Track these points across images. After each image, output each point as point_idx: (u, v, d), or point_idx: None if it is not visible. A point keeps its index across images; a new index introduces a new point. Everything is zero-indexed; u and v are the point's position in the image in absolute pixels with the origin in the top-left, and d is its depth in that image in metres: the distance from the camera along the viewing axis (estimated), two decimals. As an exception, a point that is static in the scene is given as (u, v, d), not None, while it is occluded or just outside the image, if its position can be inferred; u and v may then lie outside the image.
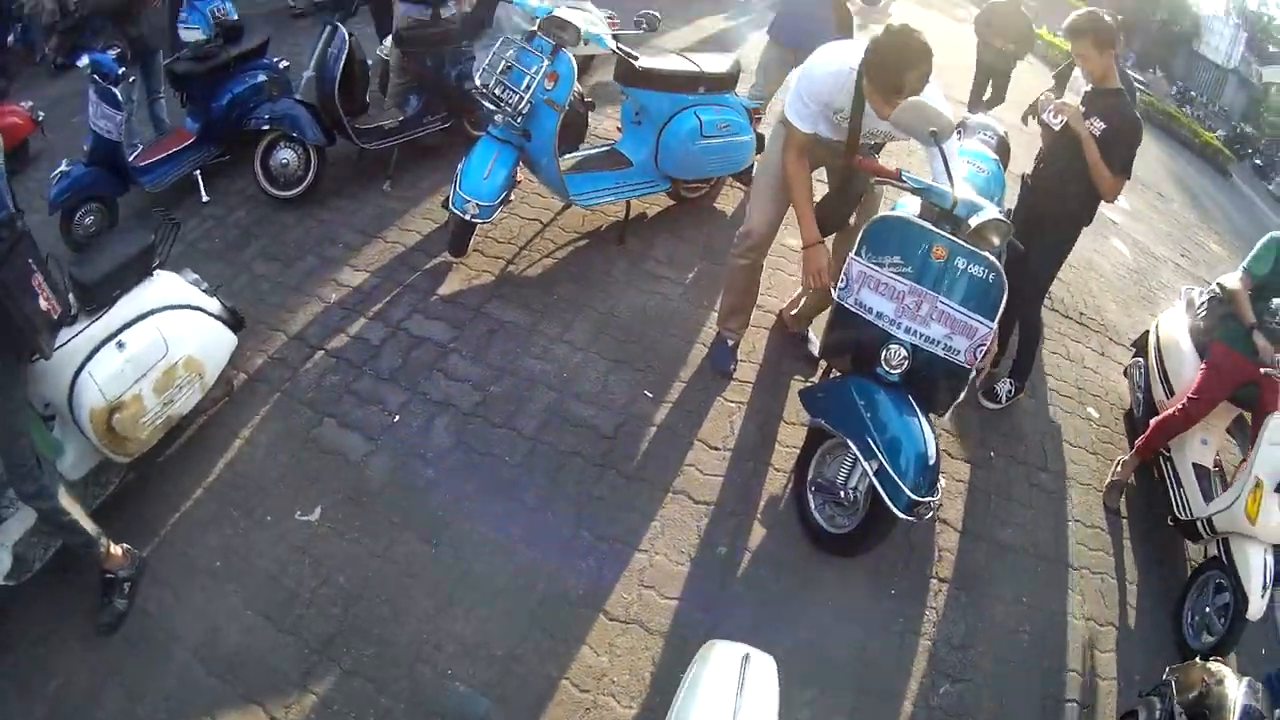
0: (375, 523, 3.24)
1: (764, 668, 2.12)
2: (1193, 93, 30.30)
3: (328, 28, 5.13)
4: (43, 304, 2.53)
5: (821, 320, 4.18)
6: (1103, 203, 4.30)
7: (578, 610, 3.09)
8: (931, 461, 3.13)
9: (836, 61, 3.41)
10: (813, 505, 3.55)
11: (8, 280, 2.37)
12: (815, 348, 4.43)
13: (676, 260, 5.04)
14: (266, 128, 4.88)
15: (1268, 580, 3.89)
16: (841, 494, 3.36)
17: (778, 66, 5.78)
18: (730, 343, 4.28)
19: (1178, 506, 4.39)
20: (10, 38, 7.19)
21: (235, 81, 5.10)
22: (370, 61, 5.76)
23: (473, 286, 4.46)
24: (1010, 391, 4.75)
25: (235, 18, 5.37)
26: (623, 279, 4.77)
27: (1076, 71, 4.60)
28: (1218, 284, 4.66)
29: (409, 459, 3.48)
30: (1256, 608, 3.81)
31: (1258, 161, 26.68)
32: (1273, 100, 31.90)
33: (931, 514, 3.24)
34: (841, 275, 3.36)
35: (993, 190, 4.46)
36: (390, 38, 5.57)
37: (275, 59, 5.43)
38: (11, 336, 2.44)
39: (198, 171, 5.09)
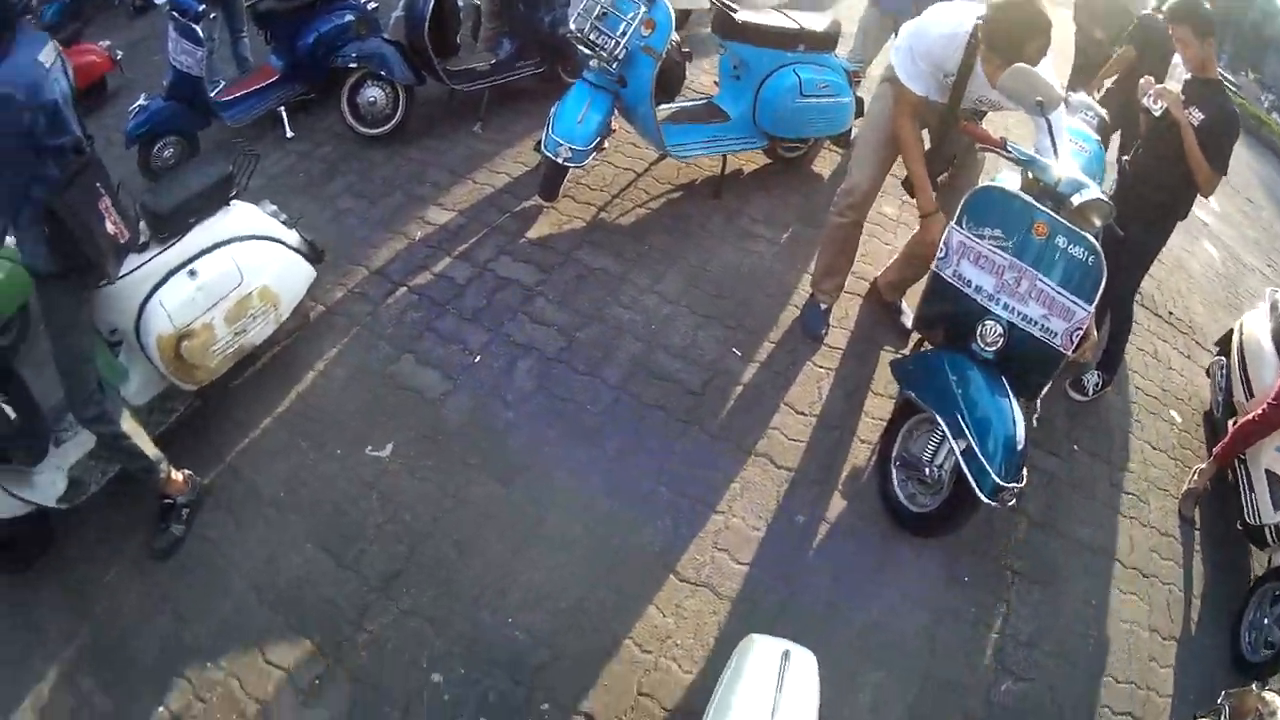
0: (449, 462, 3.24)
1: (804, 664, 2.11)
2: (1285, 98, 29.24)
3: None
4: (109, 228, 2.55)
5: (915, 291, 4.12)
6: (1196, 200, 4.18)
7: (649, 568, 3.07)
8: (1020, 446, 3.06)
9: (951, 22, 3.33)
10: (895, 481, 3.50)
11: (74, 202, 2.40)
12: (908, 319, 4.37)
13: (772, 219, 4.98)
14: (354, 65, 4.85)
15: None
16: (926, 471, 3.30)
17: (877, 30, 5.67)
18: (823, 306, 4.22)
19: (1248, 511, 4.28)
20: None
21: (321, 20, 5.07)
22: (462, 3, 5.70)
23: (563, 231, 4.44)
24: (1098, 384, 4.64)
25: None
26: (717, 234, 4.72)
27: (1176, 59, 4.48)
28: None
29: (488, 400, 3.48)
30: None
31: None
32: None
33: (1014, 501, 3.18)
34: (941, 245, 3.30)
35: (1094, 170, 4.31)
36: None
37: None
38: (77, 260, 2.47)
39: (282, 108, 5.09)
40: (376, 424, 3.34)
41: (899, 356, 3.92)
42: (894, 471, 3.51)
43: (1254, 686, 3.15)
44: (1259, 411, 4.25)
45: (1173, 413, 5.12)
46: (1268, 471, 4.32)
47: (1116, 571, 3.96)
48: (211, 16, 4.95)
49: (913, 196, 3.70)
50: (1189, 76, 4.12)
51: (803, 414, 3.80)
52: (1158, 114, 4.09)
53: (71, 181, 2.39)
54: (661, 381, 3.73)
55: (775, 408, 3.78)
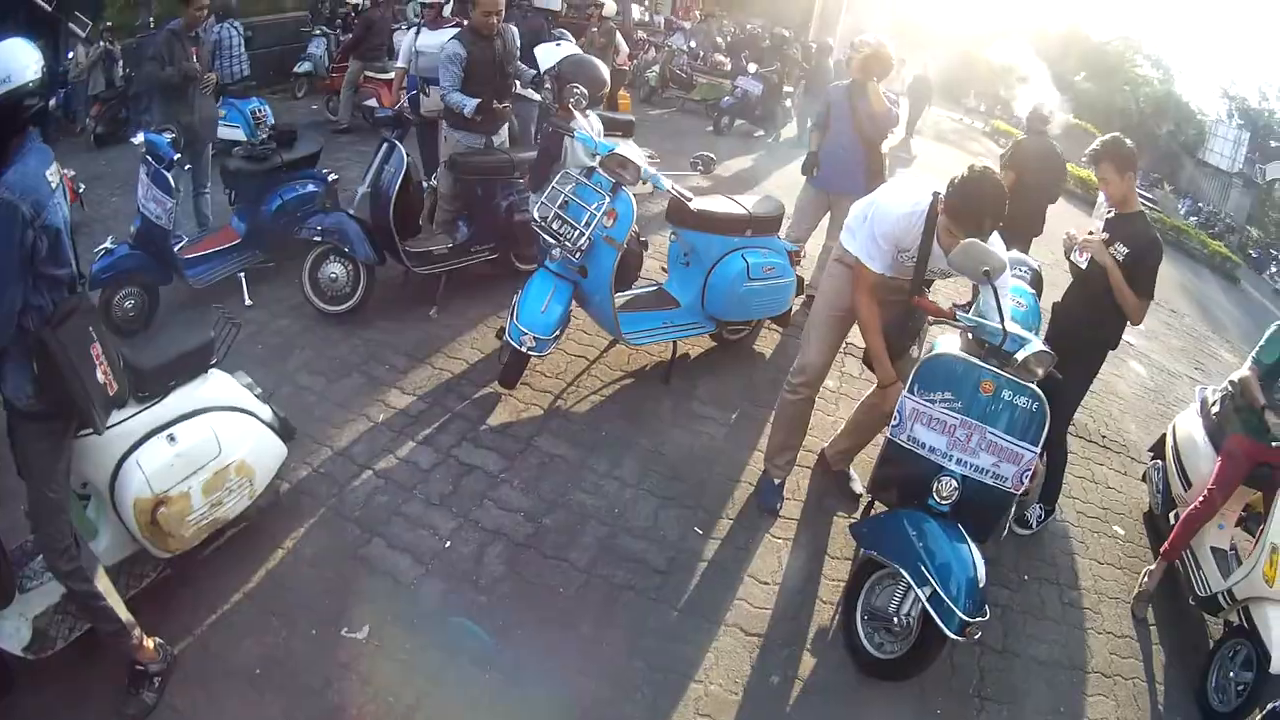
0: (427, 646, 3.24)
1: None
2: (1200, 204, 30.87)
3: (385, 145, 5.28)
4: (100, 376, 2.49)
5: (861, 459, 4.43)
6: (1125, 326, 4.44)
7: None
8: (981, 584, 3.25)
9: (909, 202, 3.61)
10: (862, 633, 3.60)
11: (67, 341, 2.34)
12: (857, 485, 4.55)
13: (719, 400, 5.16)
14: (319, 240, 4.94)
15: None
16: (895, 620, 3.42)
17: (813, 209, 6.09)
18: (777, 481, 4.36)
19: (1198, 586, 4.55)
20: (52, 102, 7.31)
21: (286, 188, 5.26)
22: (424, 185, 5.94)
23: (522, 419, 4.56)
24: (1040, 516, 4.83)
25: (273, 121, 5.50)
26: (668, 418, 4.88)
27: (1100, 197, 4.78)
28: (1230, 381, 4.90)
29: (461, 584, 3.52)
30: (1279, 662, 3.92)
31: (1252, 254, 27.12)
32: (1277, 197, 32.57)
33: (979, 634, 3.33)
34: (895, 413, 3.51)
35: (1030, 322, 4.69)
36: (443, 164, 5.75)
37: (325, 171, 5.58)
38: (63, 403, 2.41)
39: (242, 274, 5.15)
40: (350, 606, 3.33)
41: (855, 520, 4.08)
42: (860, 625, 3.62)
43: None
44: (1200, 499, 4.53)
45: (1116, 528, 5.34)
46: (1212, 549, 4.63)
47: (1079, 679, 4.12)
48: (186, 166, 5.02)
49: (872, 370, 3.88)
50: (1111, 214, 4.41)
51: (765, 583, 3.90)
52: (1084, 266, 4.38)
53: (66, 319, 2.34)
54: (629, 562, 3.81)
55: (740, 579, 3.88)
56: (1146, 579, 4.74)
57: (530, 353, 4.39)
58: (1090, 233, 4.47)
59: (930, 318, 3.90)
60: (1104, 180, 4.34)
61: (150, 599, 3.13)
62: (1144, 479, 5.71)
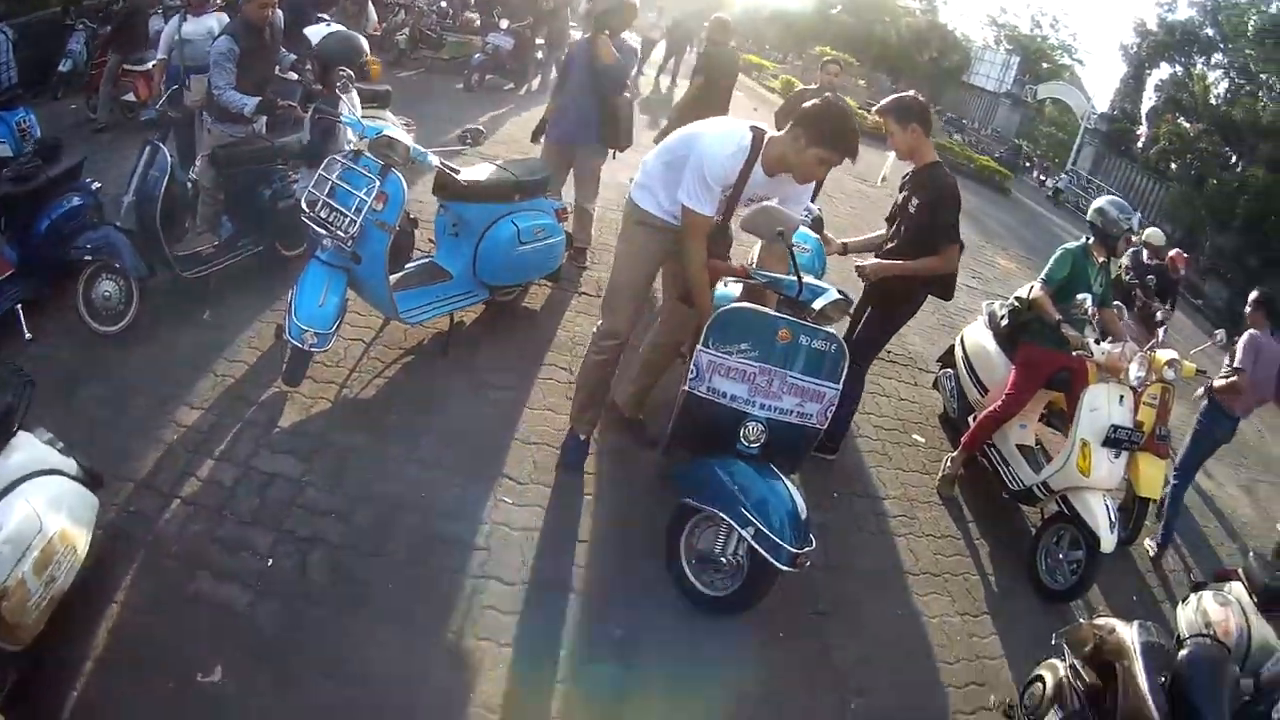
0: (281, 672, 3.11)
1: None
2: (964, 120, 32.90)
3: (149, 147, 4.88)
4: None
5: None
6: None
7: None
8: (803, 516, 3.42)
9: (733, 143, 3.63)
10: (691, 575, 3.73)
11: None
12: (651, 431, 4.63)
13: (501, 365, 5.13)
14: (89, 258, 4.55)
15: (1113, 519, 4.54)
16: (723, 561, 3.54)
17: (557, 166, 6.15)
18: (583, 437, 4.39)
19: (1010, 480, 5.08)
20: None
21: (54, 206, 4.77)
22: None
23: (312, 415, 4.37)
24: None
25: (39, 133, 5.03)
26: (455, 390, 4.80)
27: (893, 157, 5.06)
28: (1015, 297, 5.41)
29: (293, 600, 3.38)
30: (1108, 542, 4.44)
31: (1034, 172, 29.58)
32: (1049, 114, 35.45)
33: (810, 562, 3.46)
34: (691, 367, 3.58)
35: (815, 266, 4.94)
36: (202, 157, 5.42)
37: (89, 180, 5.13)
38: None
39: (19, 306, 4.62)
40: (197, 648, 3.12)
41: (672, 469, 4.14)
42: (688, 568, 3.74)
43: (1082, 620, 3.62)
44: (999, 402, 5.02)
45: (915, 436, 5.75)
46: (1019, 446, 5.16)
47: (910, 582, 4.42)
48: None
49: (689, 304, 3.94)
50: (909, 171, 4.66)
51: (585, 540, 3.97)
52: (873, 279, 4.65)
53: None
54: (447, 544, 3.76)
55: (559, 540, 3.93)
56: (949, 464, 5.24)
57: (313, 349, 4.19)
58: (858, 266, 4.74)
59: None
60: (889, 134, 4.55)
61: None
62: (935, 387, 6.20)
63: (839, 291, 3.73)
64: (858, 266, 4.72)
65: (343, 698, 3.07)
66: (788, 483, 3.49)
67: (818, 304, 3.59)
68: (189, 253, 5.05)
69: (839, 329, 3.91)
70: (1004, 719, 3.86)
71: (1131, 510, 5.56)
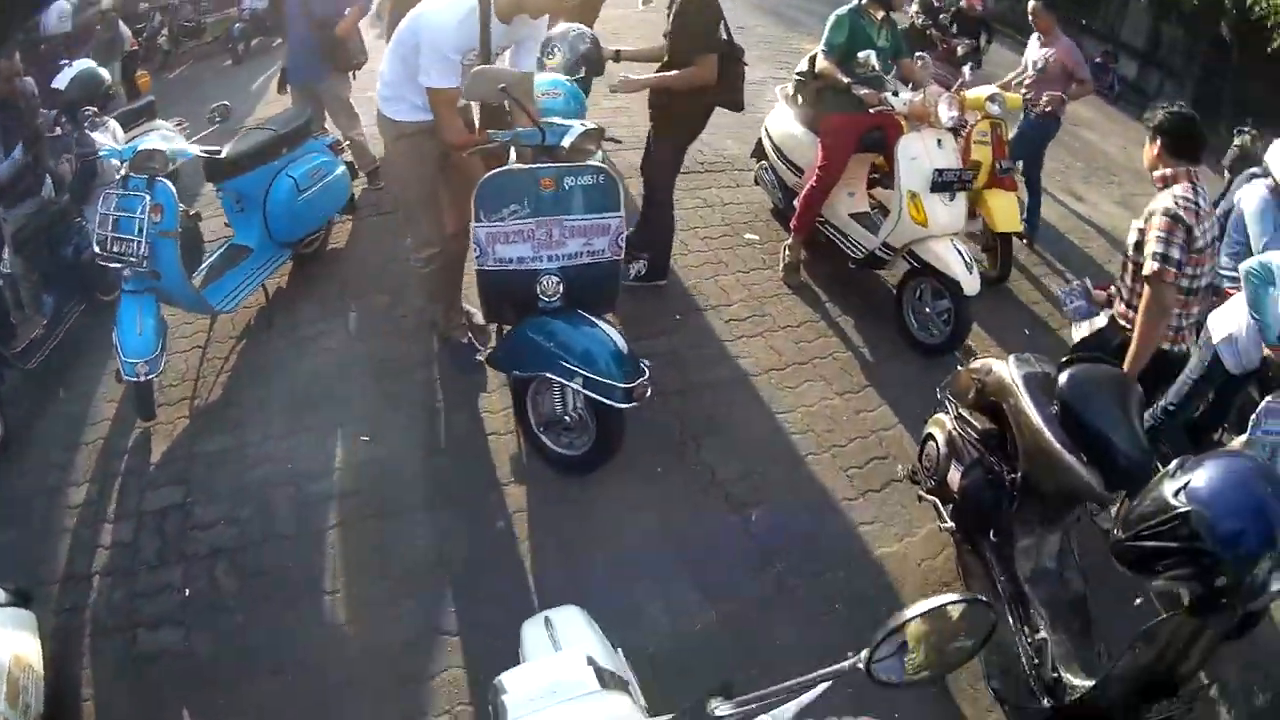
0: (231, 690, 3.24)
1: (570, 618, 2.24)
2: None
3: None
4: None
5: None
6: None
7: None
8: (625, 351, 3.49)
9: (458, 6, 3.56)
10: (548, 442, 3.87)
11: None
12: (477, 316, 4.70)
13: (326, 313, 5.16)
14: None
15: (966, 260, 4.63)
16: (567, 419, 3.67)
17: (313, 106, 6.03)
18: (464, 340, 4.50)
19: (852, 250, 5.16)
20: None
21: None
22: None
23: (176, 438, 4.44)
24: (641, 269, 5.11)
25: None
26: (289, 355, 4.85)
27: None
28: (798, 72, 5.44)
29: (217, 619, 3.51)
30: (969, 282, 4.57)
31: None
32: None
33: (649, 390, 3.53)
34: (472, 245, 3.60)
35: (573, 108, 4.81)
36: (7, 246, 5.21)
37: None
38: None
39: None
40: (165, 710, 3.25)
41: (490, 350, 4.24)
42: (544, 435, 3.88)
43: (959, 368, 3.69)
44: (813, 180, 5.04)
45: (748, 235, 5.81)
46: (852, 216, 5.18)
47: (778, 378, 4.52)
48: None
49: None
50: None
51: (444, 450, 4.16)
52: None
53: None
54: (328, 502, 3.89)
55: (426, 458, 4.11)
56: (788, 252, 5.33)
57: (150, 378, 4.25)
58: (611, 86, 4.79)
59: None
60: None
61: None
62: (757, 183, 6.23)
63: (584, 124, 3.73)
64: (610, 86, 4.78)
65: (296, 684, 3.22)
66: (601, 324, 3.56)
67: (565, 141, 3.58)
68: (25, 344, 4.94)
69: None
70: (913, 485, 3.93)
71: (996, 248, 5.73)
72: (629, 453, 3.84)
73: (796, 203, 5.31)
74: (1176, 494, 2.34)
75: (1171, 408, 4.06)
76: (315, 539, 3.74)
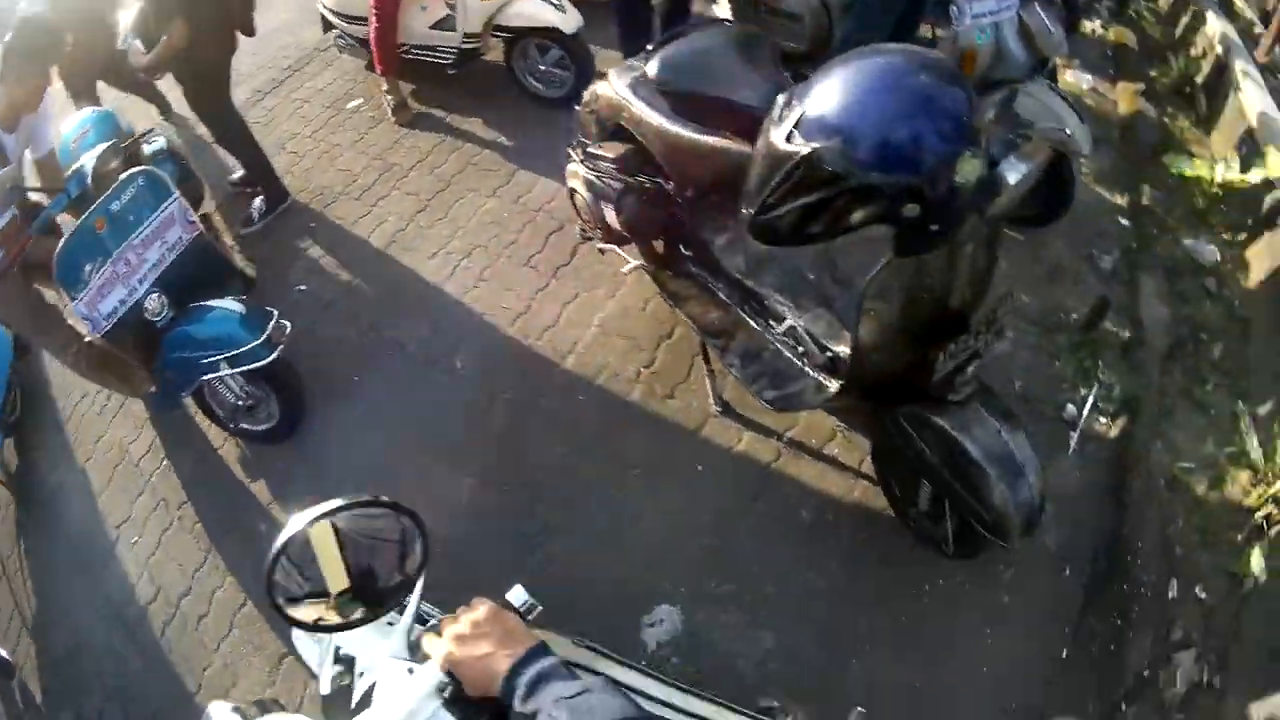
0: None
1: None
2: None
3: None
4: None
5: None
6: None
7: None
8: (245, 310, 3.58)
9: None
10: (249, 427, 3.91)
11: None
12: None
13: None
14: None
15: (555, 2, 4.66)
16: (241, 404, 3.77)
17: None
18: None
19: (443, 59, 5.09)
20: None
21: None
22: None
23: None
24: (262, 208, 4.92)
25: None
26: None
27: None
28: None
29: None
30: (567, 21, 4.61)
31: None
32: None
33: (287, 326, 3.58)
34: (80, 322, 3.57)
35: (105, 134, 4.27)
36: None
37: None
38: None
39: None
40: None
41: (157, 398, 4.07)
42: (242, 426, 3.90)
43: (575, 108, 3.60)
44: (373, 20, 4.96)
45: (350, 105, 5.72)
46: (430, 27, 5.07)
47: (425, 220, 4.53)
48: None
49: None
50: None
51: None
52: None
53: None
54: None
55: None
56: (388, 97, 5.29)
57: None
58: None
59: None
60: None
61: None
62: (342, 53, 5.91)
63: (98, 150, 3.68)
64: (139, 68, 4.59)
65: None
66: (215, 304, 3.60)
67: (89, 181, 3.60)
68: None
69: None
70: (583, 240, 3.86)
71: None
72: (319, 373, 3.87)
73: (371, 41, 5.15)
74: (788, 139, 2.02)
75: None
76: (193, 519, 3.75)
